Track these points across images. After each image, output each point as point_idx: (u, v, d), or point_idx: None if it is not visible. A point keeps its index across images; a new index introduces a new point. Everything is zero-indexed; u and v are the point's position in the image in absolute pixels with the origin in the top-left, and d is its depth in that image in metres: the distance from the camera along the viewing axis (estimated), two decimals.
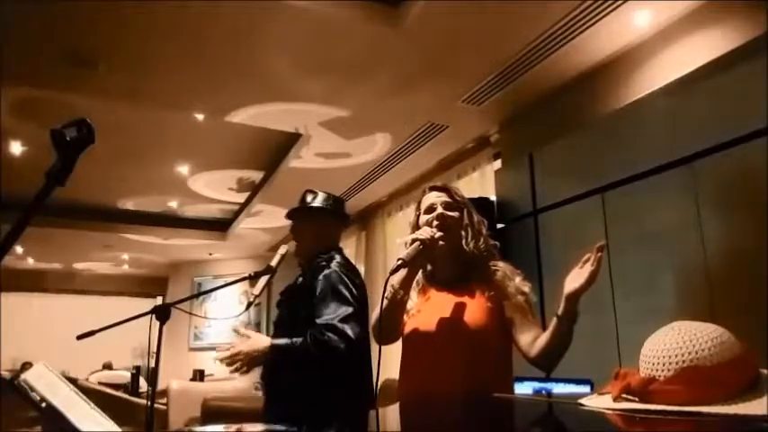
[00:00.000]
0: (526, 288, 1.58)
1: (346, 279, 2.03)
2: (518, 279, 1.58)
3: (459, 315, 1.54)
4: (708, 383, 0.81)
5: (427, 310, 1.60)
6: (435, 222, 1.60)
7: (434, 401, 1.47)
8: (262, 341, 1.95)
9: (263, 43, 2.96)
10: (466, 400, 1.44)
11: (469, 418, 1.25)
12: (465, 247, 1.60)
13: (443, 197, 1.66)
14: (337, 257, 2.13)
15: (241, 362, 1.92)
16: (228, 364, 1.93)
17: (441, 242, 1.57)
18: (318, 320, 1.91)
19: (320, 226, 2.21)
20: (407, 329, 1.62)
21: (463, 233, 1.62)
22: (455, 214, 1.63)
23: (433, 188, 1.71)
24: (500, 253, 1.67)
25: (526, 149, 3.24)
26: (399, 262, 1.49)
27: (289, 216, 2.28)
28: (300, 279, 2.17)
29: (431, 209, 1.64)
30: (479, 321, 1.52)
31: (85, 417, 1.14)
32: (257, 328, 8.28)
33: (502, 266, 1.61)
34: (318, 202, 2.23)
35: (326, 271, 2.04)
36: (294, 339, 1.92)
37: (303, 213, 2.22)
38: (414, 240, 1.53)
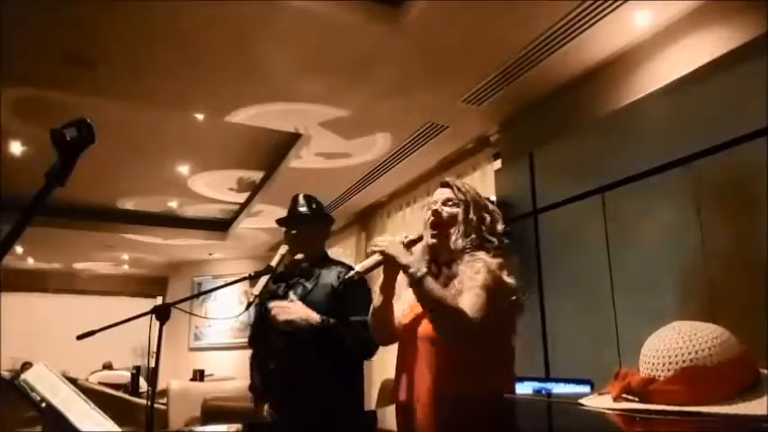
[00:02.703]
0: (479, 275, 1.49)
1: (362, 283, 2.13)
2: (479, 265, 1.51)
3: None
4: (708, 383, 0.81)
5: (416, 308, 1.60)
6: (431, 219, 1.62)
7: (411, 403, 1.51)
8: (313, 315, 2.05)
9: (263, 43, 2.96)
10: (435, 401, 1.46)
11: (441, 418, 1.27)
12: (452, 245, 1.59)
13: (446, 194, 1.66)
14: (332, 261, 2.27)
15: (289, 315, 2.04)
16: (277, 313, 2.04)
17: (433, 240, 1.60)
18: (356, 319, 1.99)
19: (320, 229, 2.33)
20: (402, 328, 1.64)
21: (452, 230, 1.60)
22: (454, 210, 1.62)
23: (441, 184, 1.71)
24: (498, 248, 1.60)
25: (526, 149, 3.24)
26: (352, 273, 1.58)
27: (289, 222, 2.30)
28: (307, 280, 2.19)
29: (431, 207, 1.65)
30: None
31: (85, 417, 1.14)
32: None
33: (467, 259, 1.56)
34: (315, 205, 2.33)
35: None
36: (348, 333, 2.02)
37: (306, 219, 2.27)
38: (372, 252, 1.55)
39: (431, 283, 1.44)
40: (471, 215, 1.61)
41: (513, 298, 1.52)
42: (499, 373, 1.56)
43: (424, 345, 1.53)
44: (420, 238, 1.60)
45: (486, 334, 1.43)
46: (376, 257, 1.53)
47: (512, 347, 1.61)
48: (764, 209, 1.94)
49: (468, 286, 1.46)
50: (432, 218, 1.61)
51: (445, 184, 1.69)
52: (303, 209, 2.29)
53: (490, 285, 1.46)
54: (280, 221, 2.35)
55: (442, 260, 1.62)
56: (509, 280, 1.51)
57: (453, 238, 1.59)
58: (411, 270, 1.44)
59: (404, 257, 1.49)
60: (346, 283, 2.08)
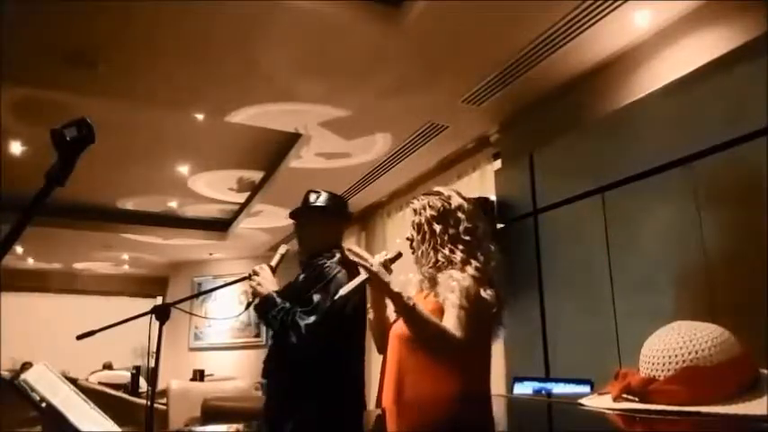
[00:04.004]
0: (453, 294, 1.53)
1: (340, 277, 2.09)
2: (453, 284, 1.55)
3: (401, 321, 1.60)
4: (708, 383, 0.81)
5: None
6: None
7: (381, 403, 1.56)
8: (270, 286, 2.10)
9: (264, 43, 2.96)
10: (398, 402, 1.50)
11: (406, 418, 1.29)
12: (420, 268, 1.66)
13: (412, 216, 1.73)
14: (338, 255, 2.18)
15: (255, 285, 2.10)
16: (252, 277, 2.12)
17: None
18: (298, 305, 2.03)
19: (323, 225, 2.27)
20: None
21: (417, 255, 1.68)
22: (416, 234, 1.69)
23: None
24: (466, 260, 1.61)
25: (526, 149, 3.24)
26: (337, 296, 1.62)
27: (292, 216, 2.31)
28: (302, 277, 2.20)
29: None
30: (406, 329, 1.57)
31: (85, 417, 1.14)
32: (257, 328, 8.28)
33: (440, 278, 1.60)
34: (321, 201, 2.28)
35: (327, 268, 2.12)
36: (282, 306, 2.03)
37: (307, 213, 2.26)
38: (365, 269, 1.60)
39: (421, 309, 1.48)
40: (424, 234, 1.67)
41: (494, 311, 1.56)
42: (470, 375, 1.58)
43: (395, 345, 1.59)
44: (399, 256, 1.63)
45: (471, 347, 1.49)
46: (362, 278, 1.56)
47: (487, 350, 1.64)
48: (764, 209, 1.94)
49: (446, 305, 1.51)
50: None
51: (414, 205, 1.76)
52: (305, 203, 2.28)
53: (465, 305, 1.50)
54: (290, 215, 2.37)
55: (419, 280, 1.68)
56: (485, 295, 1.54)
57: (420, 262, 1.67)
58: (404, 298, 1.47)
59: (394, 285, 1.51)
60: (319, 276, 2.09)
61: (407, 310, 1.46)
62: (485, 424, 1.17)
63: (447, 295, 1.53)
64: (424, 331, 1.47)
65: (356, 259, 1.52)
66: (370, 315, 1.70)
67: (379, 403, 1.63)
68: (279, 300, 2.05)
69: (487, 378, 1.62)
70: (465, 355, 1.52)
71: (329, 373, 2.03)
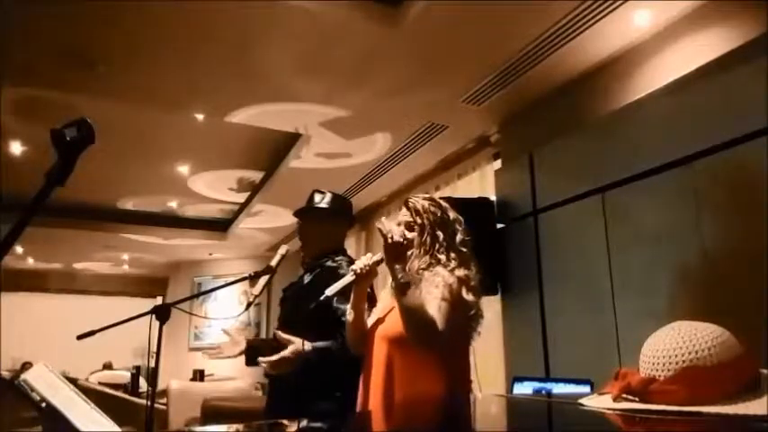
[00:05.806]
0: (437, 290, 1.56)
1: None
2: (438, 279, 1.58)
3: (386, 323, 1.63)
4: (708, 383, 0.81)
5: (386, 317, 1.67)
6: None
7: (366, 406, 1.57)
8: (298, 343, 1.94)
9: (263, 43, 2.96)
10: (387, 410, 1.51)
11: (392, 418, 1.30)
12: (407, 266, 1.65)
13: (407, 216, 1.73)
14: (345, 257, 2.19)
15: (286, 366, 1.91)
16: (272, 368, 1.92)
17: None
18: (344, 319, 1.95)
19: (328, 226, 2.26)
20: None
21: (409, 253, 1.67)
22: (412, 235, 1.69)
23: (404, 203, 1.78)
24: (458, 267, 1.64)
25: (526, 149, 3.24)
26: (323, 297, 1.64)
27: (296, 215, 2.31)
28: (306, 277, 2.19)
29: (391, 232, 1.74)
30: (393, 329, 1.57)
31: (85, 417, 1.14)
32: (257, 328, 8.28)
33: (426, 276, 1.62)
34: (326, 202, 2.27)
35: (342, 271, 2.07)
36: (332, 342, 1.92)
37: (311, 213, 2.26)
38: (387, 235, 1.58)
39: (413, 290, 1.50)
40: (426, 237, 1.68)
41: (472, 312, 1.60)
42: (456, 375, 1.59)
43: (383, 347, 1.59)
44: (383, 260, 1.63)
45: (448, 343, 1.52)
46: (347, 279, 1.60)
47: (467, 351, 1.66)
48: (764, 209, 1.94)
49: (428, 299, 1.53)
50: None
51: (406, 205, 1.76)
52: (312, 203, 2.27)
53: (447, 297, 1.53)
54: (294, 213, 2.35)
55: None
56: (467, 297, 1.58)
57: (409, 262, 1.66)
58: (399, 276, 1.49)
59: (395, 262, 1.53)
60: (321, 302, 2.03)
61: (402, 287, 1.48)
62: (468, 424, 1.19)
63: (431, 289, 1.56)
64: (413, 314, 1.49)
65: (381, 228, 1.52)
66: (350, 317, 1.71)
67: (364, 405, 1.62)
68: (320, 343, 1.94)
69: (469, 378, 1.65)
70: (450, 354, 1.54)
71: (349, 372, 2.03)
